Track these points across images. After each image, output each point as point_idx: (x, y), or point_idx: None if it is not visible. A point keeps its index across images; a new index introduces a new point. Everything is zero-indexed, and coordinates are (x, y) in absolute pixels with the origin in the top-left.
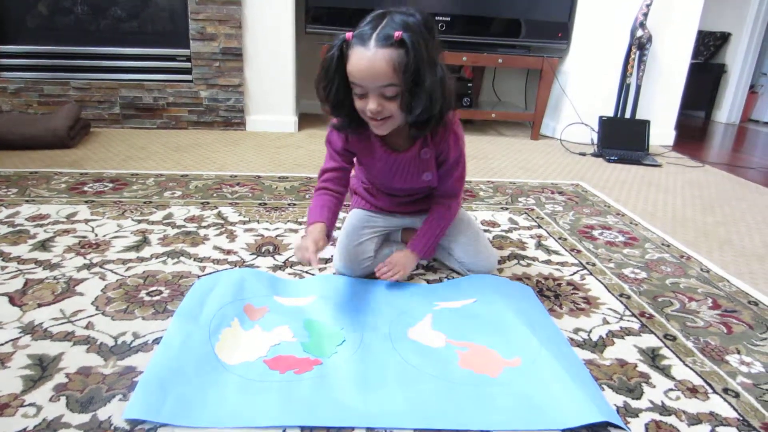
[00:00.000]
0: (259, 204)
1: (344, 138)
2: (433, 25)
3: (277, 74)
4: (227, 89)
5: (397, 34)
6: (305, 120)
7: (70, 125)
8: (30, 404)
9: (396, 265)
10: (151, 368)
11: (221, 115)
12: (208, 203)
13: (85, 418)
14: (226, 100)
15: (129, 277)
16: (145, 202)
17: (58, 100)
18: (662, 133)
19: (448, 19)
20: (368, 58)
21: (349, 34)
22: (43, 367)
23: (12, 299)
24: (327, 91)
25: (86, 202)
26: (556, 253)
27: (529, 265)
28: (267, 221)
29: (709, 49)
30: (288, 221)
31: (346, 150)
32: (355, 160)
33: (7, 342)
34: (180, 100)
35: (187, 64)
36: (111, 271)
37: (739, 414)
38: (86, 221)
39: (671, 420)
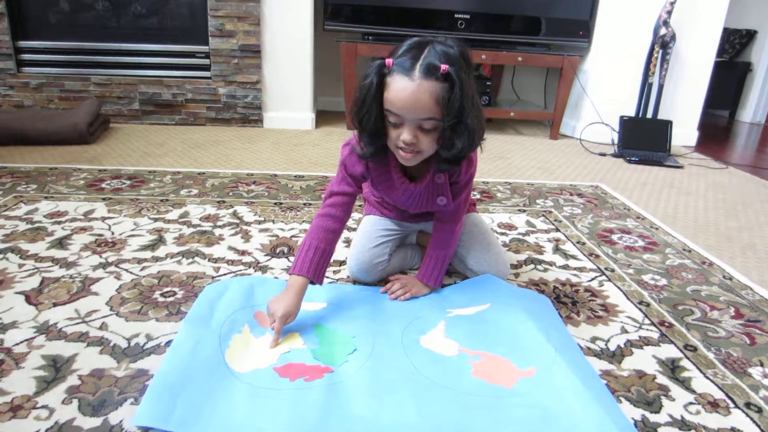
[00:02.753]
0: (275, 203)
1: (365, 165)
2: (470, 57)
3: (295, 71)
4: (245, 86)
5: (443, 67)
6: (322, 117)
7: (90, 121)
8: (42, 406)
9: (407, 285)
10: (160, 374)
11: (239, 112)
12: (224, 202)
13: (96, 422)
14: (244, 96)
15: (144, 277)
16: (161, 200)
17: (78, 96)
18: (685, 133)
19: (468, 16)
20: (412, 89)
21: (389, 61)
22: (56, 368)
23: (28, 298)
24: (364, 119)
25: (104, 199)
26: (574, 257)
27: (546, 270)
28: (282, 221)
29: (734, 47)
30: (303, 221)
31: (363, 176)
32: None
33: (22, 342)
34: (198, 96)
35: (206, 61)
36: (126, 270)
37: (761, 430)
38: (103, 219)
39: None
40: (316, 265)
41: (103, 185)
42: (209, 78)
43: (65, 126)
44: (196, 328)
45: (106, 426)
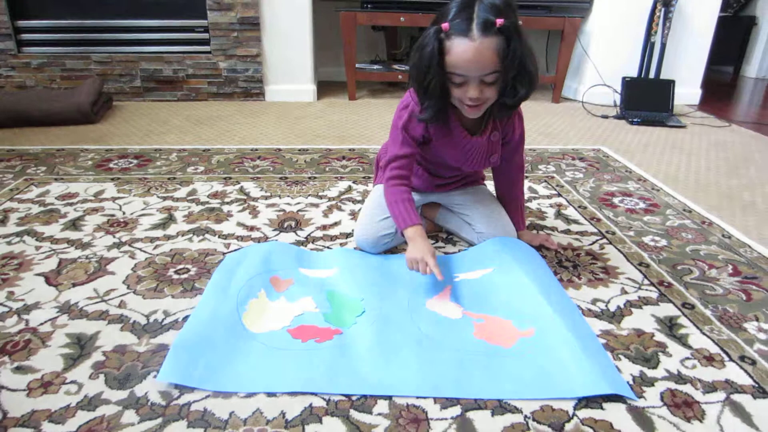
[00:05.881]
0: (280, 178)
1: (424, 126)
2: (515, 3)
3: (294, 43)
4: (246, 59)
5: (499, 21)
6: (323, 88)
7: (93, 100)
8: (71, 382)
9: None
10: (182, 336)
11: (240, 86)
12: (230, 178)
13: (123, 394)
14: (245, 70)
15: (157, 255)
16: (169, 179)
17: (80, 75)
18: (688, 92)
19: None
20: (474, 48)
21: (445, 25)
22: (81, 346)
23: (48, 279)
24: (427, 84)
25: (112, 179)
26: (576, 222)
27: (548, 235)
28: (288, 196)
29: (739, 1)
30: (309, 195)
31: (423, 137)
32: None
33: (46, 321)
34: (199, 71)
35: (205, 35)
36: (140, 249)
37: (754, 381)
38: (113, 199)
39: (686, 388)
40: (413, 211)
41: (111, 165)
42: (209, 52)
43: (69, 106)
44: (216, 295)
45: (132, 397)
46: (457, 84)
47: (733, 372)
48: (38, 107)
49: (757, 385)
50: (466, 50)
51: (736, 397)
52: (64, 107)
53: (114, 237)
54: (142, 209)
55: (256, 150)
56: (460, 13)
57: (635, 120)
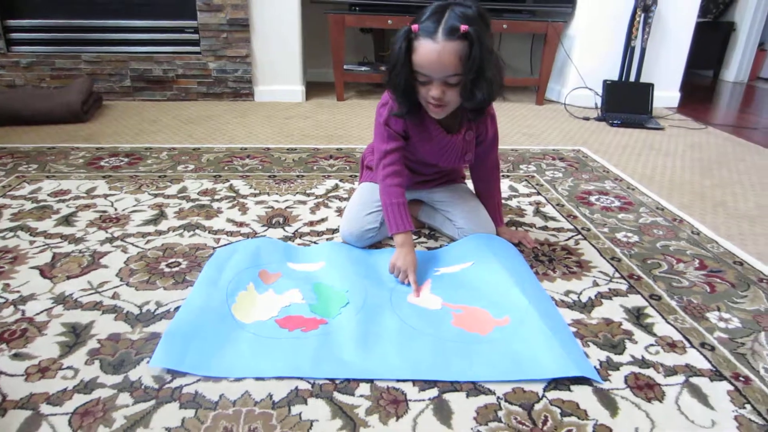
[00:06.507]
0: (269, 176)
1: (403, 121)
2: (487, 16)
3: (283, 44)
4: (235, 60)
5: (463, 27)
6: (312, 89)
7: (83, 99)
8: (68, 367)
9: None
10: (174, 324)
11: (230, 86)
12: (220, 176)
13: (118, 378)
14: (234, 71)
15: (149, 249)
16: (159, 176)
17: (70, 74)
18: (667, 95)
19: None
20: (437, 50)
21: (415, 26)
22: (76, 334)
23: (42, 272)
24: (397, 80)
25: (104, 177)
26: (553, 219)
27: (526, 231)
28: (277, 193)
29: (719, 7)
30: (297, 193)
31: (405, 131)
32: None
33: (42, 311)
34: (189, 71)
35: (195, 36)
36: (132, 244)
37: (712, 365)
38: (105, 196)
39: (649, 372)
40: (406, 217)
41: (102, 163)
42: (199, 53)
43: (59, 105)
44: (206, 287)
45: (127, 381)
46: (422, 83)
47: (693, 357)
48: (29, 106)
49: (714, 369)
50: (430, 51)
51: (694, 380)
52: (55, 106)
53: (106, 232)
54: (134, 206)
55: (246, 149)
56: (432, 17)
57: (615, 122)
